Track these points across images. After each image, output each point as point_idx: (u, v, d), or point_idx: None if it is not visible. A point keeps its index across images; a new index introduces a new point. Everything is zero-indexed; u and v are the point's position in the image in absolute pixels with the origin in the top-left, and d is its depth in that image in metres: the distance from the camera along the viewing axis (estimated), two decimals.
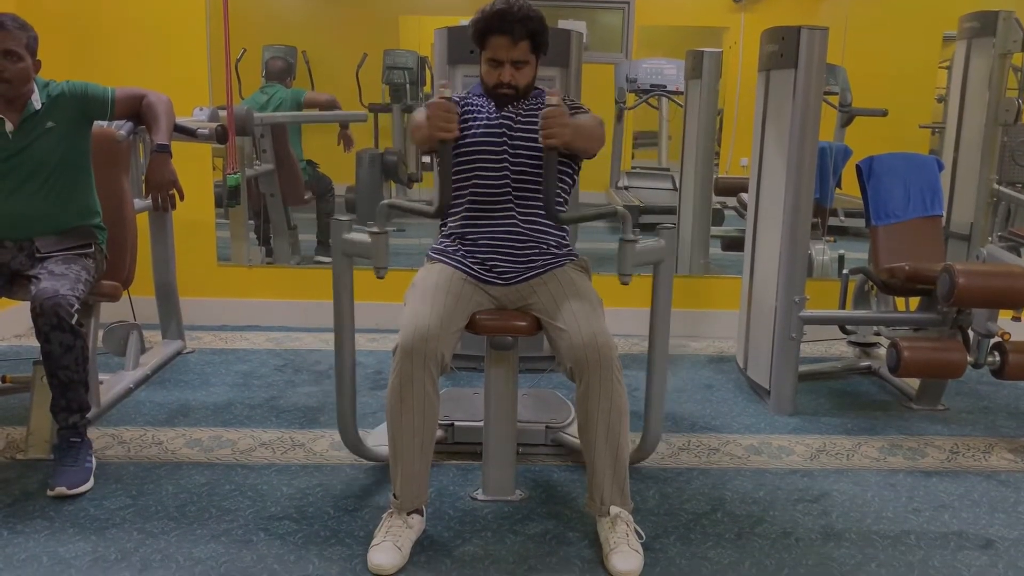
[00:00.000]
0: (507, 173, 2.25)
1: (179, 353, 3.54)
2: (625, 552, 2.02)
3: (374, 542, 2.05)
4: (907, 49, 4.42)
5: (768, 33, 3.14)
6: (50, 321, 2.29)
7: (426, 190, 4.90)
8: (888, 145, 3.55)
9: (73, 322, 2.32)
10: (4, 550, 2.05)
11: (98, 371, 2.83)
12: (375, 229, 2.19)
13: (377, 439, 2.58)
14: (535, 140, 2.22)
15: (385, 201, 2.22)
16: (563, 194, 2.35)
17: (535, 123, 2.24)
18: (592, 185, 4.64)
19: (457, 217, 2.32)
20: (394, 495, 2.13)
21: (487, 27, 2.17)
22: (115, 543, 2.10)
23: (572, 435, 2.61)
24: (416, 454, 2.10)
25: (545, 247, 2.29)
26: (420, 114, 2.18)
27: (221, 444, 2.70)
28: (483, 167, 2.26)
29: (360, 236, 2.25)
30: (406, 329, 2.08)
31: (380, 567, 1.99)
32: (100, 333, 2.93)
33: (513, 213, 2.27)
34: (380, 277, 2.21)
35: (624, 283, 2.17)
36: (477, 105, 2.32)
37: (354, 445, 2.46)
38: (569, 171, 2.34)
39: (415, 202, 2.36)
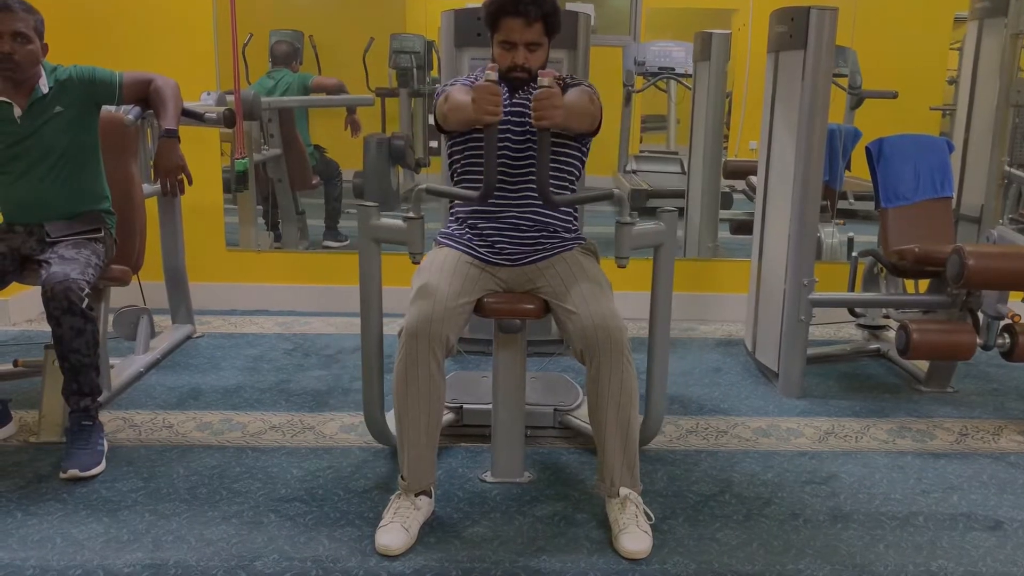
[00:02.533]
0: (517, 157, 2.25)
1: (189, 337, 3.55)
2: (634, 533, 2.03)
3: (382, 523, 2.07)
4: (918, 30, 4.38)
5: (777, 14, 3.12)
6: (61, 305, 2.31)
7: (433, 175, 4.90)
8: (898, 127, 3.52)
9: (84, 306, 2.33)
10: (18, 531, 2.08)
11: (109, 355, 2.85)
12: (411, 215, 2.16)
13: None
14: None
15: (422, 186, 2.20)
16: (572, 178, 2.34)
17: None
18: (600, 169, 4.63)
19: (464, 203, 2.32)
20: (402, 477, 2.14)
21: (500, 9, 2.15)
22: (127, 525, 2.12)
23: (579, 418, 2.62)
24: (422, 436, 2.11)
25: (553, 230, 2.29)
26: (459, 94, 2.16)
27: (231, 427, 2.72)
28: (499, 152, 2.25)
29: (393, 222, 2.24)
30: (411, 313, 2.08)
31: (387, 548, 2.00)
32: (110, 317, 2.95)
33: (521, 197, 2.26)
34: (415, 262, 2.21)
35: (621, 266, 2.16)
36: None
37: (380, 432, 2.47)
38: (578, 154, 2.34)
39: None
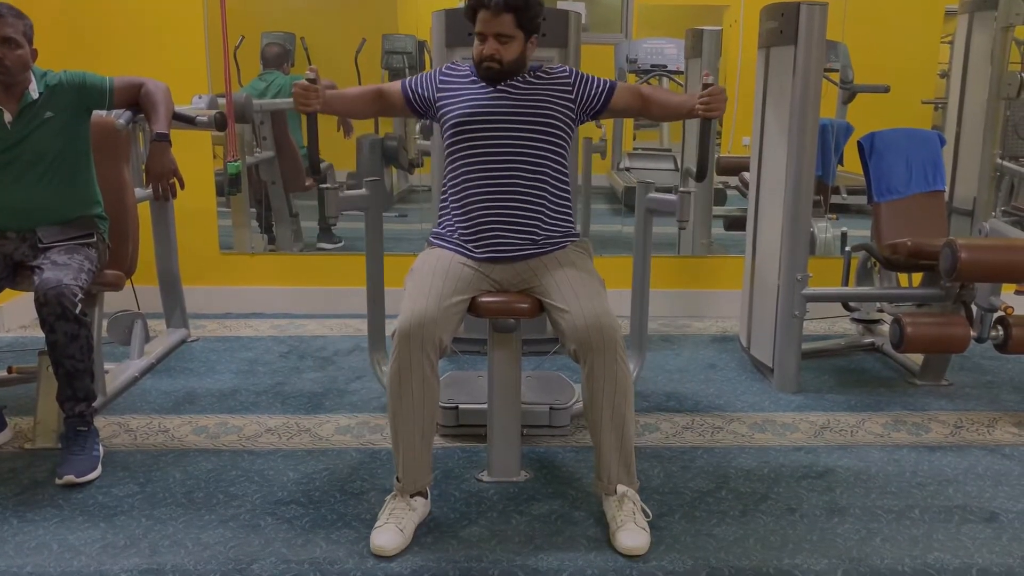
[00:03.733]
0: (505, 151, 2.26)
1: (184, 341, 3.55)
2: (632, 529, 2.04)
3: (377, 524, 2.07)
4: (909, 24, 4.39)
5: (767, 10, 3.12)
6: (54, 311, 2.30)
7: (427, 175, 4.90)
8: (890, 121, 3.53)
9: (77, 311, 2.33)
10: (15, 538, 2.07)
11: (103, 360, 2.85)
12: (327, 185, 2.46)
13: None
14: (538, 116, 2.26)
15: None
16: (565, 166, 2.36)
17: (537, 99, 2.29)
18: (594, 167, 4.62)
19: (456, 196, 2.32)
20: (397, 478, 2.14)
21: (475, 2, 2.25)
22: (124, 530, 2.12)
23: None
24: (417, 437, 2.11)
25: (544, 223, 2.29)
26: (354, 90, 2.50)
27: (227, 430, 2.72)
28: (476, 145, 2.27)
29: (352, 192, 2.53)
30: (404, 314, 2.08)
31: (382, 548, 2.00)
32: (104, 322, 2.94)
33: (513, 190, 2.27)
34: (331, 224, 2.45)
35: (682, 228, 2.55)
36: (465, 82, 2.34)
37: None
38: (567, 142, 2.36)
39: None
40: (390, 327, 2.12)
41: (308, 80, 2.29)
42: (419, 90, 2.39)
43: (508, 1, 2.21)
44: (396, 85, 2.42)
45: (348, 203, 2.50)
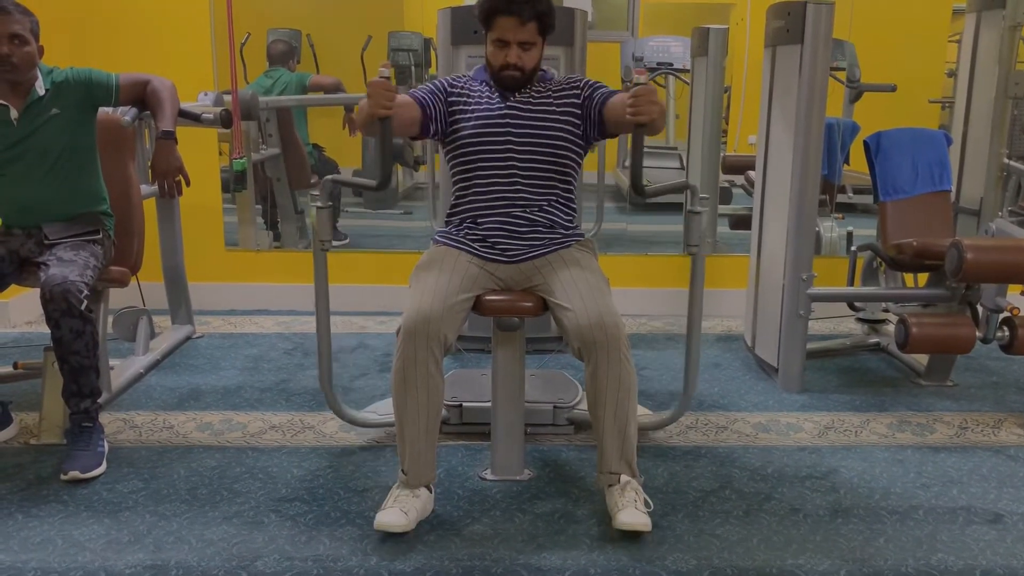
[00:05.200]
0: (514, 162, 2.26)
1: (189, 338, 3.56)
2: (632, 511, 2.04)
3: (382, 508, 2.08)
4: (916, 23, 4.37)
5: (774, 8, 3.11)
6: (60, 307, 2.31)
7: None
8: (897, 120, 3.52)
9: (83, 308, 2.33)
10: (20, 533, 2.08)
11: (108, 357, 2.86)
12: (319, 204, 2.28)
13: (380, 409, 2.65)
14: (545, 125, 2.24)
15: (329, 177, 2.31)
16: (573, 177, 2.35)
17: (543, 107, 2.26)
18: (598, 165, 4.62)
19: (464, 204, 2.33)
20: (403, 471, 2.14)
21: (495, 7, 2.18)
22: (128, 526, 2.12)
23: (583, 410, 2.62)
24: (421, 434, 2.11)
25: (550, 226, 2.30)
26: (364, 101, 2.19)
27: (231, 427, 2.72)
28: (487, 156, 2.27)
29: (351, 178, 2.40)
30: (409, 311, 2.08)
31: (387, 525, 2.01)
32: (110, 319, 2.95)
33: (520, 200, 2.27)
34: (323, 249, 2.33)
35: (691, 253, 2.33)
36: (476, 91, 2.32)
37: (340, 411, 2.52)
38: (581, 152, 2.35)
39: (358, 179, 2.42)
40: (395, 324, 2.12)
41: (383, 78, 2.06)
42: (436, 104, 2.27)
43: (537, 9, 2.16)
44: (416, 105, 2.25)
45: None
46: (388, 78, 2.05)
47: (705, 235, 2.35)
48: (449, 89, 2.33)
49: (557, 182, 2.31)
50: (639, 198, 2.18)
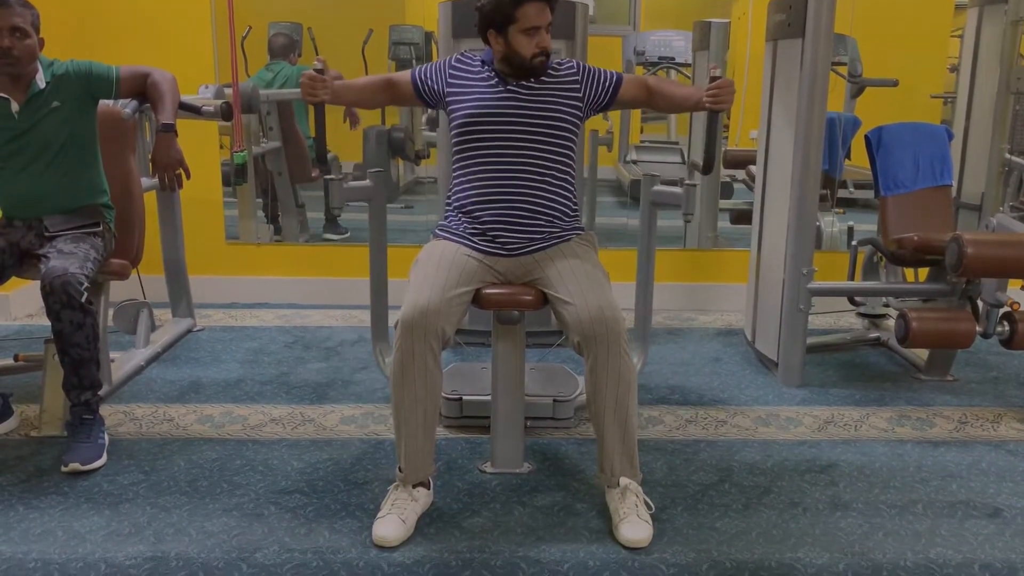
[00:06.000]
0: (514, 146, 2.26)
1: (189, 331, 3.56)
2: (635, 522, 2.04)
3: (379, 515, 2.07)
4: (918, 18, 4.36)
5: (775, 2, 3.11)
6: (60, 299, 2.31)
7: (434, 167, 4.90)
8: (899, 115, 3.51)
9: (83, 300, 2.34)
10: (20, 525, 2.08)
11: (109, 349, 2.86)
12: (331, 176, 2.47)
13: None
14: (547, 116, 2.26)
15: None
16: (573, 161, 2.35)
17: (546, 99, 2.27)
18: (600, 159, 4.62)
19: (462, 190, 2.32)
20: (399, 468, 2.15)
21: None
22: (128, 517, 2.13)
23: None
24: (419, 428, 2.11)
25: (551, 218, 2.29)
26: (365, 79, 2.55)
27: (232, 420, 2.73)
28: (483, 145, 2.27)
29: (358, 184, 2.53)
30: (407, 305, 2.09)
31: (384, 539, 2.01)
32: (110, 311, 2.95)
33: (521, 187, 2.27)
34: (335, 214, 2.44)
35: (688, 220, 2.48)
36: (478, 74, 2.32)
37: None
38: (576, 138, 2.35)
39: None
40: (394, 318, 2.12)
41: (315, 71, 2.30)
42: (428, 81, 2.37)
43: None
44: (406, 75, 2.40)
45: (352, 194, 2.50)
46: (321, 70, 2.30)
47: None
48: (455, 64, 2.37)
49: (556, 165, 2.30)
50: (707, 173, 2.47)
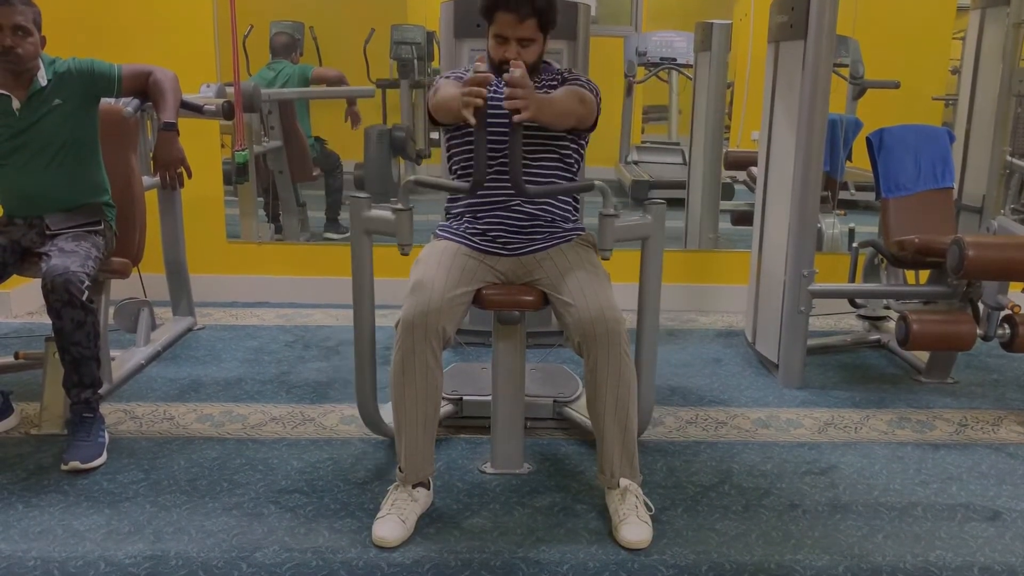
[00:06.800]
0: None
1: (190, 329, 3.56)
2: (634, 523, 2.04)
3: (379, 515, 2.08)
4: (920, 20, 4.37)
5: (778, 3, 3.11)
6: (61, 297, 2.31)
7: (434, 166, 4.90)
8: (901, 117, 3.51)
9: (84, 298, 2.34)
10: (20, 523, 2.08)
11: (110, 347, 2.86)
12: (399, 206, 2.17)
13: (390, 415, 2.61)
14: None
15: (411, 177, 2.23)
16: (571, 171, 2.34)
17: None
18: (601, 160, 4.63)
19: (464, 201, 2.32)
20: (399, 468, 2.14)
21: (494, 2, 2.15)
22: (128, 516, 2.13)
23: (577, 410, 2.62)
24: (419, 427, 2.11)
25: (551, 220, 2.29)
26: (448, 88, 2.15)
27: (232, 419, 2.73)
28: (490, 144, 2.25)
29: (382, 213, 2.24)
30: (408, 304, 2.09)
31: (383, 540, 2.01)
32: (111, 310, 2.95)
33: (522, 198, 2.26)
34: (404, 254, 2.20)
35: (605, 258, 2.21)
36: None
37: (373, 423, 2.47)
38: (574, 146, 2.33)
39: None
40: (396, 317, 2.12)
41: (480, 72, 1.98)
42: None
43: (535, 6, 2.12)
44: (454, 87, 2.17)
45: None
46: (486, 72, 1.98)
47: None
48: (464, 72, 2.33)
49: (558, 175, 2.30)
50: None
